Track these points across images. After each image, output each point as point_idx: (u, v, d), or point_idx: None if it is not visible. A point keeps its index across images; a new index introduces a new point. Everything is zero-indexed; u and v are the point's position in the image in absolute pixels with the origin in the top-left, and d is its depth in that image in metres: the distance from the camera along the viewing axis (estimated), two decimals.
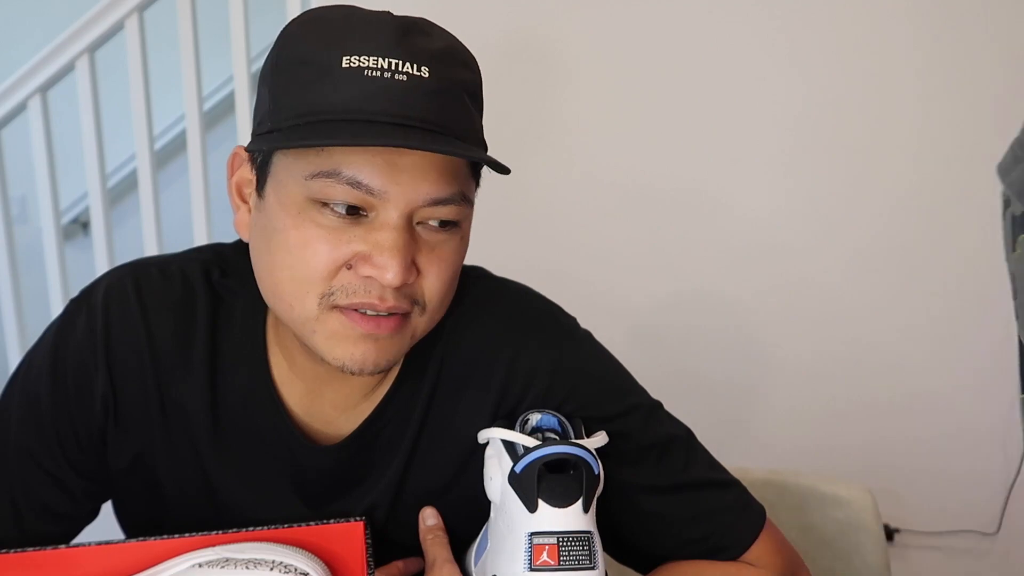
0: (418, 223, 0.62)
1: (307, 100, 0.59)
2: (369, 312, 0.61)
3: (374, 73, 0.57)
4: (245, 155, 0.67)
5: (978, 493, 1.82)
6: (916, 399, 1.80)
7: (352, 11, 0.62)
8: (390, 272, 0.59)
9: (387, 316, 0.62)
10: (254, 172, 0.65)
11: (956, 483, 1.83)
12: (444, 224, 0.63)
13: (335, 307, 0.61)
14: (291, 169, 0.61)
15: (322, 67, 0.58)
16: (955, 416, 1.80)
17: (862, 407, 1.82)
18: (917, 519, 1.84)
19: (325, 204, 0.60)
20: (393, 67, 0.58)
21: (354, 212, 0.60)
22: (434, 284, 0.63)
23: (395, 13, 0.62)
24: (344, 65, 0.58)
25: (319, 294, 0.61)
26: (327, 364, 0.64)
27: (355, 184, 0.58)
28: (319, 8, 0.64)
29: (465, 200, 0.63)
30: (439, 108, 0.59)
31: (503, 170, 0.61)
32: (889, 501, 1.73)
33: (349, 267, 0.60)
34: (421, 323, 0.65)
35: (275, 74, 0.62)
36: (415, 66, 0.58)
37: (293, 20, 0.64)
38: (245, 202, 0.68)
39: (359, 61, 0.58)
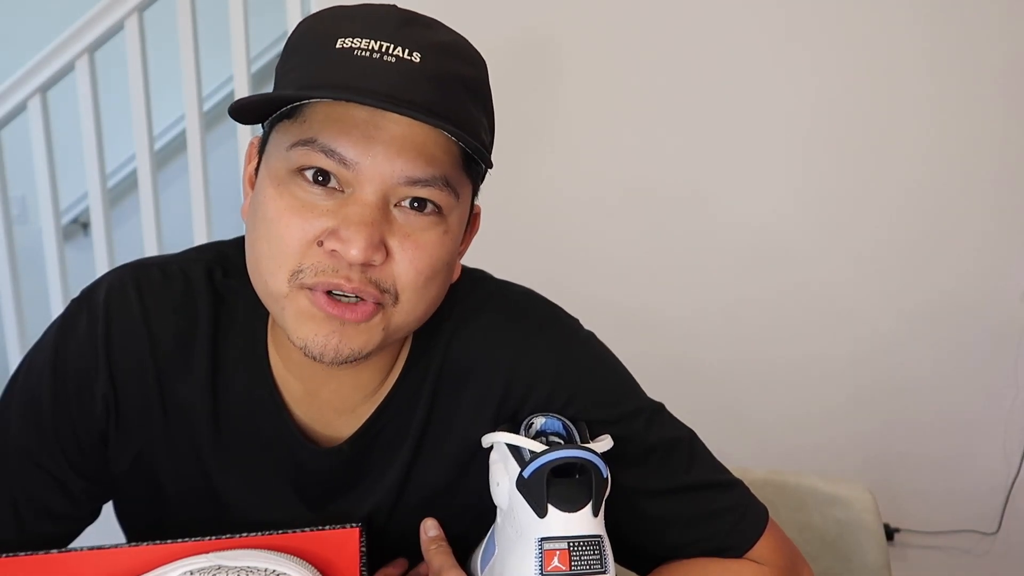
0: (396, 205, 0.61)
1: (300, 79, 0.60)
2: (337, 294, 0.60)
3: (363, 54, 0.58)
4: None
5: (978, 493, 1.82)
6: (916, 400, 1.81)
7: (362, 6, 0.63)
8: (354, 247, 0.57)
9: (357, 303, 0.61)
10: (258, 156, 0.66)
11: (956, 483, 1.83)
12: (423, 207, 0.61)
13: (304, 286, 0.61)
14: (278, 143, 0.62)
15: (318, 50, 0.59)
16: (955, 416, 1.80)
17: (862, 407, 1.82)
18: (917, 519, 1.84)
19: (303, 175, 0.60)
20: (384, 49, 0.58)
21: (328, 181, 0.59)
22: (407, 271, 0.61)
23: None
24: (337, 46, 0.58)
25: (290, 270, 0.60)
26: (319, 361, 0.62)
27: (329, 152, 0.58)
28: (335, 6, 0.64)
29: (448, 187, 0.61)
30: (426, 91, 0.58)
31: (484, 159, 0.61)
32: (889, 501, 1.73)
33: (320, 244, 0.60)
34: (396, 316, 0.63)
35: (280, 62, 0.64)
36: (406, 51, 0.58)
37: (308, 15, 0.65)
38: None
39: (351, 43, 0.58)
